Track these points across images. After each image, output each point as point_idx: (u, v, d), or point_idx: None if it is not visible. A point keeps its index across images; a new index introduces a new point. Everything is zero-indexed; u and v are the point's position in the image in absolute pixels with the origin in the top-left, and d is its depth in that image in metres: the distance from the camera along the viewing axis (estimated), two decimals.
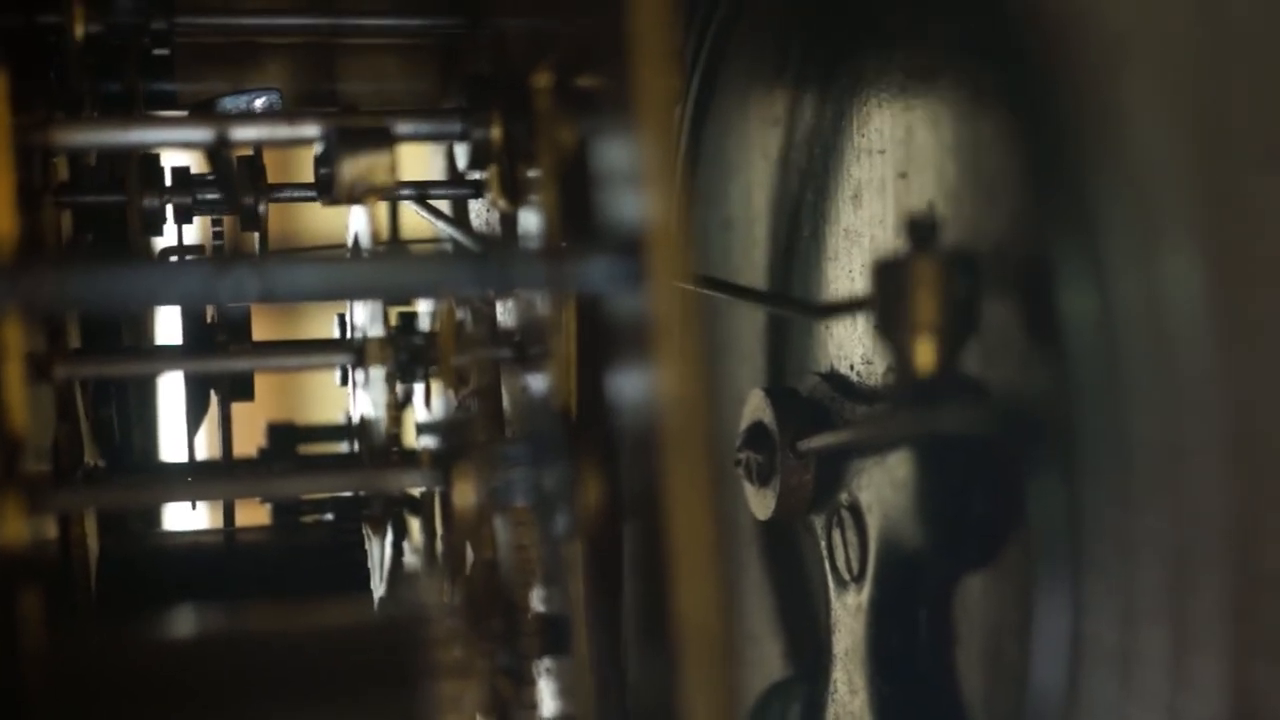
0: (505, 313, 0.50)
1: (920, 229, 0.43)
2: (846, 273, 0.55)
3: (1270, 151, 0.36)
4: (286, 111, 0.55)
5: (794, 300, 0.58)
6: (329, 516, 0.64)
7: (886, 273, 0.44)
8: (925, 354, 0.43)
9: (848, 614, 0.53)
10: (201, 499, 0.51)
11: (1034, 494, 0.44)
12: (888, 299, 0.44)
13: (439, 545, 0.44)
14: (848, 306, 0.54)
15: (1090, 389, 0.41)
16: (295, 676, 0.35)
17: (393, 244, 0.76)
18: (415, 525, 0.51)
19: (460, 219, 0.62)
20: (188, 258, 0.55)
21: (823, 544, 0.55)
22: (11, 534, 0.36)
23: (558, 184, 0.43)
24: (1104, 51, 0.40)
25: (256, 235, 0.54)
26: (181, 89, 0.60)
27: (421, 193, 0.56)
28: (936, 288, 0.43)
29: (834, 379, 0.55)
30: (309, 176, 0.48)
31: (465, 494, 0.40)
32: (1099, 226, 0.40)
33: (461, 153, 0.47)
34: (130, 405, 0.67)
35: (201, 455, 0.61)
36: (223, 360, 0.53)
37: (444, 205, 0.61)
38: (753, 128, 0.61)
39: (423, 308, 0.59)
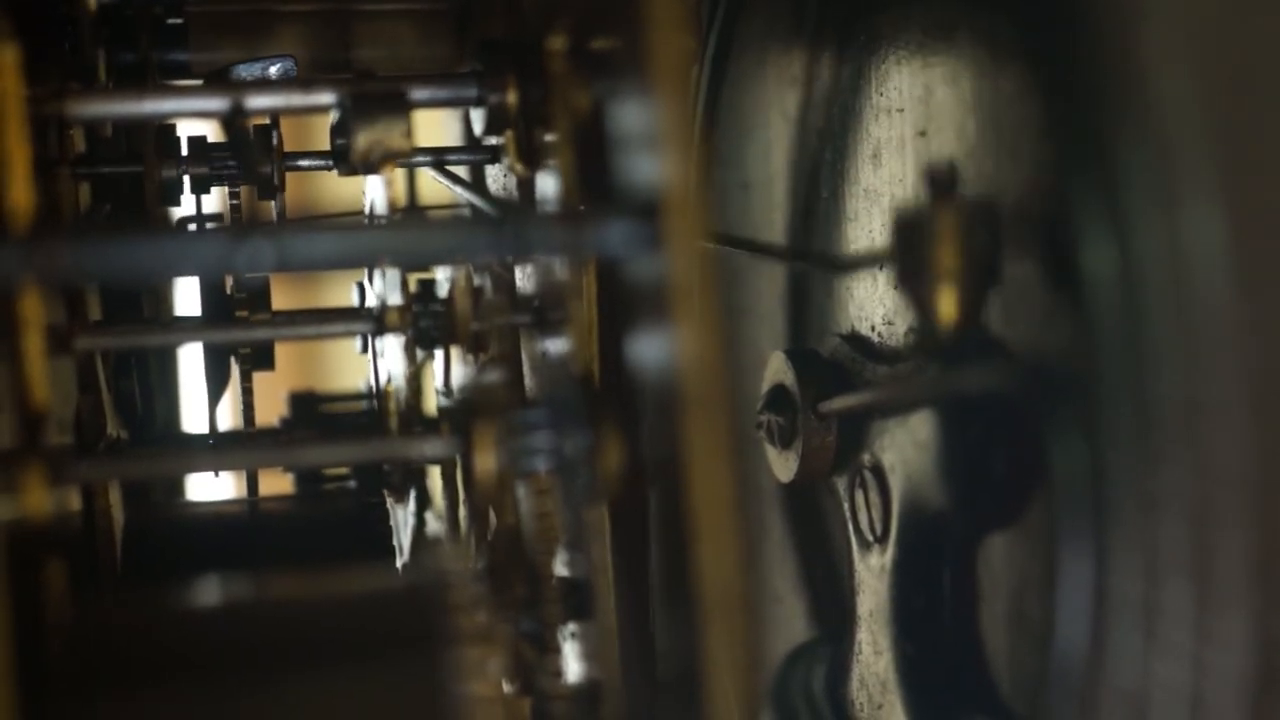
0: (524, 278, 0.50)
1: (940, 181, 0.43)
2: (866, 233, 0.54)
3: None
4: (301, 79, 0.55)
5: (814, 255, 0.58)
6: (352, 484, 0.64)
7: (907, 225, 0.44)
8: (948, 305, 0.42)
9: (871, 575, 0.53)
10: (224, 469, 0.51)
11: (1056, 451, 0.44)
12: (908, 251, 0.43)
13: (461, 512, 0.44)
14: (868, 261, 0.54)
15: (1111, 344, 0.41)
16: (319, 644, 0.35)
17: (410, 210, 0.76)
18: (438, 491, 0.51)
19: (478, 184, 0.61)
20: (207, 226, 0.55)
21: (845, 505, 0.55)
22: (35, 506, 0.36)
23: (575, 148, 0.43)
24: (1124, 1, 0.39)
25: (274, 204, 0.54)
26: (195, 58, 0.60)
27: (438, 158, 0.55)
28: (957, 238, 0.43)
29: (855, 340, 0.55)
30: (325, 145, 0.48)
31: (486, 460, 0.40)
32: (1120, 180, 0.40)
33: (478, 118, 0.47)
34: (151, 376, 0.67)
35: (223, 425, 0.61)
36: (243, 330, 0.53)
37: (461, 171, 0.61)
38: (770, 87, 0.60)
39: (441, 274, 0.59)
